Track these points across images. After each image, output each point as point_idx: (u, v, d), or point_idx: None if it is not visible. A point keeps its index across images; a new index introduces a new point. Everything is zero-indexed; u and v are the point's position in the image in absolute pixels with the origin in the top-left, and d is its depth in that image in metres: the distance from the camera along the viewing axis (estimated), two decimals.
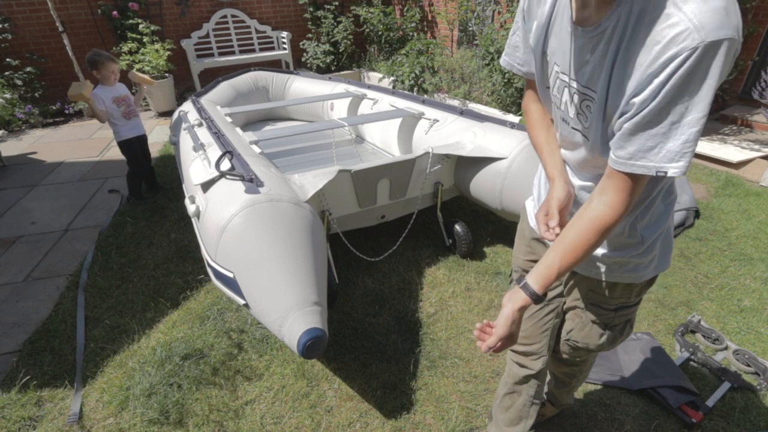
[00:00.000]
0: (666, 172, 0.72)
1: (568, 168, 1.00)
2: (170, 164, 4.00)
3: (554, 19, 0.85)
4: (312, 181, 1.97)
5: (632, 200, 0.79)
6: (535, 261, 1.17)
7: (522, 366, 1.26)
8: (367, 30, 6.44)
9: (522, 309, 0.88)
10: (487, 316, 2.10)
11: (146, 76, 3.12)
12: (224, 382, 1.80)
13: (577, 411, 1.64)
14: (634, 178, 0.76)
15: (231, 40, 6.48)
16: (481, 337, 0.92)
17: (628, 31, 0.71)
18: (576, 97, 0.84)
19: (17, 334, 2.10)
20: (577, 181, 0.97)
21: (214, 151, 2.12)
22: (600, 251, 0.98)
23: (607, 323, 1.10)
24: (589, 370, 1.41)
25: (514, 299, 0.89)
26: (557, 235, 0.92)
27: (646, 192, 0.88)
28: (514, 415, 1.31)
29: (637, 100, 0.71)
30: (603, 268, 1.00)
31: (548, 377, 1.50)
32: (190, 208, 1.83)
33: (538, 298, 0.87)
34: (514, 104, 4.31)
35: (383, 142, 3.20)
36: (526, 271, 1.20)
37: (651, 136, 0.71)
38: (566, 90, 0.86)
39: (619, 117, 0.75)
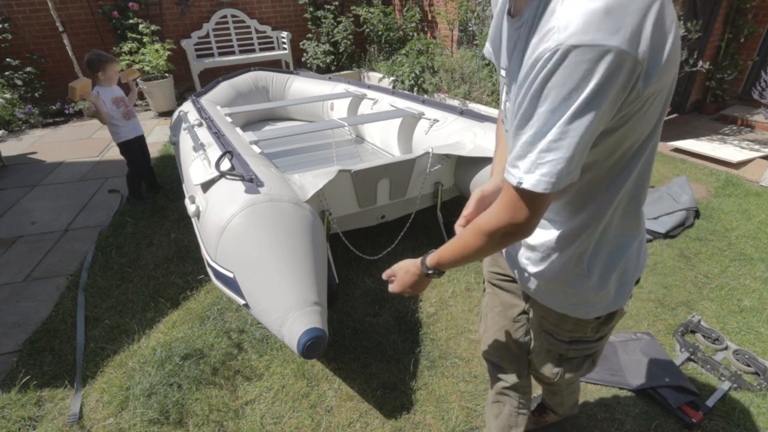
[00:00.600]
0: (521, 183, 0.65)
1: None
2: (170, 164, 4.00)
3: (505, 16, 0.79)
4: (312, 181, 1.97)
5: (515, 214, 0.70)
6: (497, 273, 1.15)
7: (498, 379, 1.25)
8: (367, 30, 6.44)
9: (415, 269, 0.96)
10: None
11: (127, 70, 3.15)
12: (224, 382, 1.80)
13: (577, 411, 1.64)
14: (516, 188, 0.68)
15: (231, 40, 6.47)
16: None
17: (535, 24, 0.64)
18: (505, 94, 0.79)
19: (17, 334, 2.10)
20: None
21: (214, 151, 2.12)
22: (543, 273, 0.89)
23: (561, 354, 1.04)
24: (574, 390, 1.36)
25: (416, 259, 0.98)
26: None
27: (589, 216, 0.79)
28: (504, 423, 1.30)
29: (517, 101, 0.66)
30: (548, 296, 0.93)
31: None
32: (190, 208, 1.82)
33: (426, 270, 0.93)
34: None
35: (383, 142, 3.20)
36: (491, 283, 1.19)
37: (523, 144, 0.65)
38: (505, 86, 0.80)
39: None
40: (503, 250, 1.04)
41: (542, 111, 0.61)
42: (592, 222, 0.80)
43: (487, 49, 1.00)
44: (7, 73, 5.24)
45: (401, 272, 0.99)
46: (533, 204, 0.69)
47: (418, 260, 0.96)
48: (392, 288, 1.01)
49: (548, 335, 1.02)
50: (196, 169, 2.01)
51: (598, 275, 0.85)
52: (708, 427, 1.56)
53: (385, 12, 6.02)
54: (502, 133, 1.04)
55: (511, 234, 0.74)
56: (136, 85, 3.33)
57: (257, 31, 6.59)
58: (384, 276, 1.04)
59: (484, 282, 1.26)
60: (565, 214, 0.83)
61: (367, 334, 2.02)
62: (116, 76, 2.98)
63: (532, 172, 0.64)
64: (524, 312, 1.13)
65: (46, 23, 5.46)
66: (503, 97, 0.83)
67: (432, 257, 0.92)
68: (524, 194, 0.68)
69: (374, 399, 1.71)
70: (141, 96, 5.81)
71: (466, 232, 0.81)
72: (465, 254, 0.83)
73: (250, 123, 4.20)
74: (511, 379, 1.22)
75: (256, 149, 2.33)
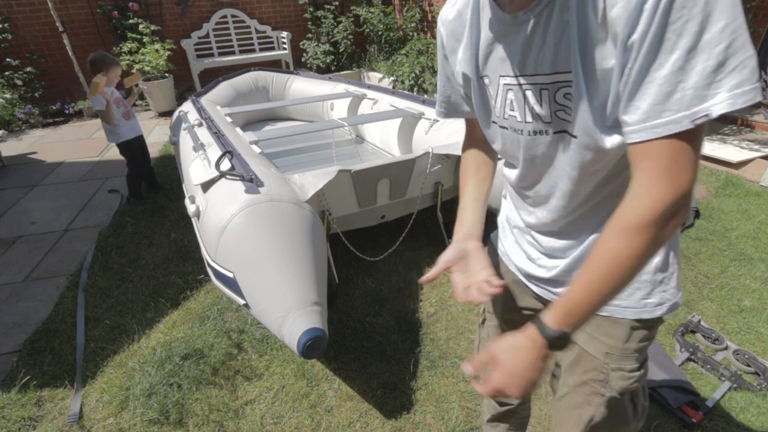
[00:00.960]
0: (708, 114, 0.51)
1: (558, 213, 0.79)
2: (170, 164, 4.00)
3: (483, 35, 0.73)
4: (312, 181, 1.97)
5: (677, 177, 0.56)
6: (522, 307, 0.99)
7: (501, 403, 1.20)
8: (367, 30, 6.43)
9: (530, 342, 0.67)
10: None
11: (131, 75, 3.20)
12: (224, 382, 1.80)
13: None
14: (662, 146, 0.55)
15: (231, 40, 6.48)
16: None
17: None
18: (546, 93, 0.68)
19: (17, 334, 2.10)
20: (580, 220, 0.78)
21: (214, 151, 2.12)
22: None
23: (634, 390, 0.85)
24: None
25: (520, 332, 0.68)
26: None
27: None
28: None
29: (635, 38, 0.53)
30: (641, 297, 0.78)
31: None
32: (190, 208, 1.83)
33: (551, 335, 0.65)
34: None
35: (383, 142, 3.20)
36: (505, 318, 1.04)
37: (665, 79, 0.52)
38: (529, 95, 0.70)
39: (621, 75, 0.57)
40: (541, 276, 0.87)
41: (687, 22, 0.50)
42: None
43: (443, 113, 0.93)
44: (7, 73, 5.24)
45: (506, 355, 0.68)
46: (694, 154, 0.55)
47: (528, 330, 0.67)
48: (487, 388, 0.69)
49: (620, 371, 0.83)
50: (196, 169, 2.01)
51: (666, 247, 0.77)
52: (708, 427, 1.56)
53: (385, 12, 6.02)
54: (476, 161, 0.94)
55: (677, 211, 0.57)
56: (137, 86, 3.35)
57: (257, 31, 6.59)
58: (470, 369, 0.70)
59: (483, 312, 1.10)
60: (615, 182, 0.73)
61: (367, 334, 2.02)
62: (117, 79, 3.01)
63: (711, 97, 0.51)
64: None
65: (46, 23, 5.47)
66: (526, 108, 0.72)
67: (556, 311, 0.64)
68: (689, 139, 0.54)
69: (374, 399, 1.71)
70: (141, 96, 5.81)
71: (600, 248, 0.61)
72: (613, 277, 0.61)
73: (250, 123, 4.20)
74: (513, 400, 1.18)
75: (256, 149, 2.33)
